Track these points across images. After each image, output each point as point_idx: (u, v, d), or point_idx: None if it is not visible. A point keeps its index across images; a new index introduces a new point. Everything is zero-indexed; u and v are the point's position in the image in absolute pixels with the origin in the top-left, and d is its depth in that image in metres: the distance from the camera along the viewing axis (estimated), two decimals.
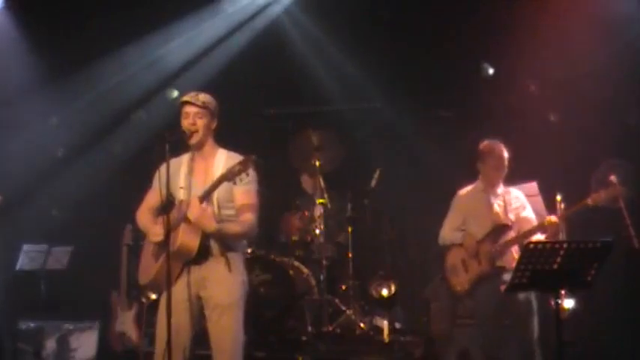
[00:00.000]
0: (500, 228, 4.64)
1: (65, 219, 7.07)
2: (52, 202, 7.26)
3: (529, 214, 4.76)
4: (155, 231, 3.87)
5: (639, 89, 6.21)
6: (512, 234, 4.62)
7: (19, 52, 7.20)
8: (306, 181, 6.93)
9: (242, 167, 3.63)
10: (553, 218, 4.47)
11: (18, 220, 7.01)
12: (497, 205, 4.74)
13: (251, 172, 3.72)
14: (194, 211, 3.66)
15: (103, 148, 7.65)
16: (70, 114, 7.59)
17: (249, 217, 3.82)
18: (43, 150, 7.63)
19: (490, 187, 4.79)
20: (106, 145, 7.66)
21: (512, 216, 4.71)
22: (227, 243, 3.82)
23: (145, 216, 4.01)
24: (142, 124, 7.60)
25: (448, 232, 4.90)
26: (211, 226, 3.69)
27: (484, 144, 4.81)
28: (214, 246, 3.81)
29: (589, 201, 4.42)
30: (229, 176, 3.66)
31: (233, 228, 3.80)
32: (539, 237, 4.50)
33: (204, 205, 3.69)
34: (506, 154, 4.74)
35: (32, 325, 6.14)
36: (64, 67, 7.24)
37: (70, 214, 7.30)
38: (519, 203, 4.78)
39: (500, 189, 4.80)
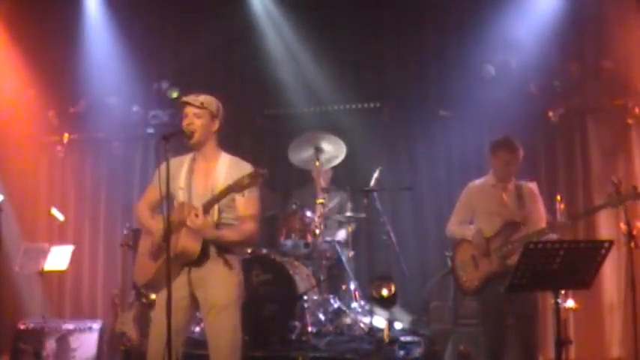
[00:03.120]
0: (511, 225, 4.59)
1: (65, 219, 7.06)
2: (52, 202, 7.26)
3: (540, 209, 4.69)
4: (159, 227, 3.87)
5: (639, 89, 6.22)
6: (523, 231, 4.57)
7: (17, 52, 7.22)
8: (317, 179, 6.84)
9: (251, 181, 3.62)
10: (562, 219, 4.41)
11: (18, 220, 7.02)
12: (508, 202, 4.67)
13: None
14: (197, 222, 3.66)
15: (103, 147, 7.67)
16: (69, 113, 7.60)
17: (250, 227, 3.84)
18: (42, 149, 7.65)
19: (501, 182, 4.72)
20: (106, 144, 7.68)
21: (523, 213, 4.63)
22: (228, 246, 3.84)
23: (144, 211, 4.00)
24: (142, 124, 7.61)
25: (456, 225, 4.83)
26: (212, 234, 3.72)
27: (497, 137, 4.73)
28: (212, 247, 3.82)
29: (602, 204, 4.39)
30: (237, 188, 3.65)
31: (232, 236, 3.81)
32: (550, 237, 4.44)
33: (206, 216, 3.69)
34: (519, 150, 4.66)
35: (32, 325, 6.14)
36: (62, 65, 7.26)
37: (70, 214, 7.30)
38: (531, 198, 4.71)
39: (512, 184, 4.73)
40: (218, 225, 3.82)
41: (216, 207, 3.79)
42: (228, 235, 3.80)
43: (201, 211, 3.69)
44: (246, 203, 3.82)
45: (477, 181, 4.84)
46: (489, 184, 4.76)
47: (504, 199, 4.67)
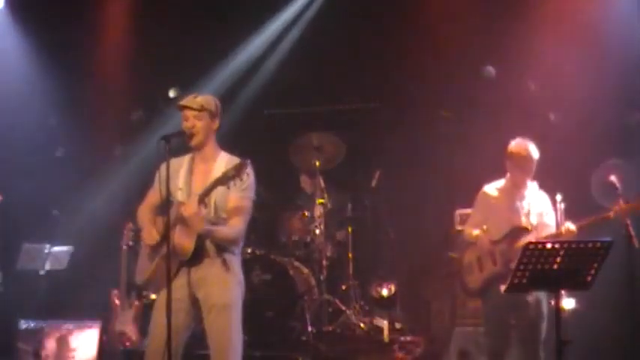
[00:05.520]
0: (518, 230, 4.57)
1: (65, 219, 7.06)
2: (52, 202, 7.26)
3: (551, 220, 4.66)
4: (150, 233, 3.89)
5: (639, 89, 6.21)
6: (530, 238, 4.55)
7: (19, 52, 7.22)
8: (305, 181, 6.95)
9: (236, 172, 3.64)
10: (571, 227, 4.41)
11: (18, 220, 7.01)
12: (520, 207, 4.65)
13: (247, 177, 3.72)
14: (188, 209, 3.67)
15: (104, 147, 7.67)
16: (70, 114, 7.60)
17: (236, 222, 3.83)
18: (42, 150, 7.65)
19: (516, 188, 4.69)
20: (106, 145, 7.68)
21: (534, 220, 4.61)
22: (221, 245, 3.83)
23: (144, 214, 4.02)
24: (141, 124, 7.62)
25: (471, 229, 4.80)
26: (201, 226, 3.69)
27: (513, 143, 4.68)
28: (210, 247, 3.82)
29: (611, 214, 4.38)
30: (223, 180, 3.67)
31: (223, 231, 3.81)
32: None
33: (200, 207, 3.68)
34: (535, 155, 4.62)
35: (32, 325, 6.13)
36: (64, 66, 7.26)
37: (70, 214, 7.30)
38: (543, 208, 4.68)
39: (528, 190, 4.69)
40: (214, 224, 3.81)
41: (212, 205, 3.80)
42: (219, 230, 3.79)
43: (197, 200, 3.68)
44: (235, 199, 3.82)
45: (492, 184, 4.82)
46: (504, 189, 4.74)
47: (516, 204, 4.65)
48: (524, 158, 4.62)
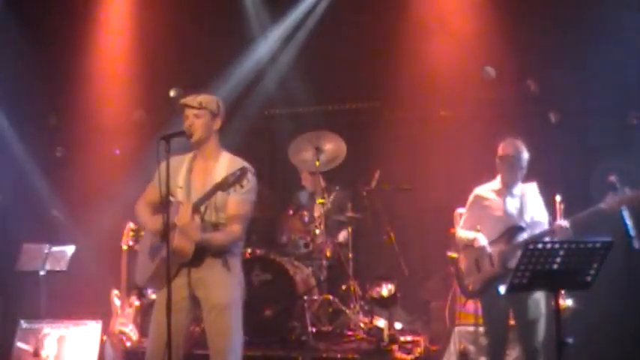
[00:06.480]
0: (514, 230, 4.58)
1: (65, 219, 7.06)
2: (52, 202, 7.26)
3: (543, 212, 4.67)
4: (155, 222, 3.85)
5: (639, 90, 6.22)
6: (525, 236, 4.56)
7: (18, 52, 7.23)
8: (306, 179, 6.93)
9: (236, 179, 3.64)
10: (564, 223, 4.42)
11: (18, 220, 7.01)
12: (513, 206, 4.66)
13: (247, 182, 3.71)
14: (182, 219, 3.67)
15: (104, 147, 7.68)
16: (70, 114, 7.62)
17: (235, 229, 3.83)
18: (42, 150, 7.65)
19: (507, 187, 4.69)
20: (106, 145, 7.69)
21: (527, 218, 4.61)
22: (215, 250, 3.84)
23: (143, 210, 4.00)
24: (142, 124, 7.63)
25: (465, 232, 4.82)
26: (196, 236, 3.70)
27: (503, 142, 4.70)
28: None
29: (603, 205, 4.38)
30: (224, 186, 3.67)
31: (218, 238, 3.81)
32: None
33: (194, 216, 3.69)
34: (523, 153, 4.64)
35: (32, 325, 6.14)
36: (64, 66, 7.27)
37: (70, 214, 7.30)
38: (536, 204, 4.69)
39: (518, 189, 4.70)
40: (215, 225, 3.82)
41: (213, 207, 3.80)
42: (214, 237, 3.80)
43: (190, 209, 3.68)
44: (236, 204, 3.82)
45: (484, 186, 4.82)
46: (495, 189, 4.74)
47: (509, 205, 4.65)
48: (513, 157, 4.63)
